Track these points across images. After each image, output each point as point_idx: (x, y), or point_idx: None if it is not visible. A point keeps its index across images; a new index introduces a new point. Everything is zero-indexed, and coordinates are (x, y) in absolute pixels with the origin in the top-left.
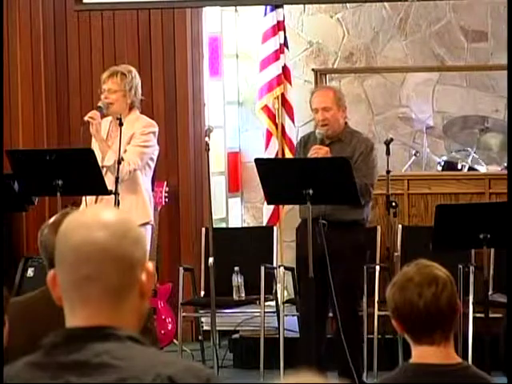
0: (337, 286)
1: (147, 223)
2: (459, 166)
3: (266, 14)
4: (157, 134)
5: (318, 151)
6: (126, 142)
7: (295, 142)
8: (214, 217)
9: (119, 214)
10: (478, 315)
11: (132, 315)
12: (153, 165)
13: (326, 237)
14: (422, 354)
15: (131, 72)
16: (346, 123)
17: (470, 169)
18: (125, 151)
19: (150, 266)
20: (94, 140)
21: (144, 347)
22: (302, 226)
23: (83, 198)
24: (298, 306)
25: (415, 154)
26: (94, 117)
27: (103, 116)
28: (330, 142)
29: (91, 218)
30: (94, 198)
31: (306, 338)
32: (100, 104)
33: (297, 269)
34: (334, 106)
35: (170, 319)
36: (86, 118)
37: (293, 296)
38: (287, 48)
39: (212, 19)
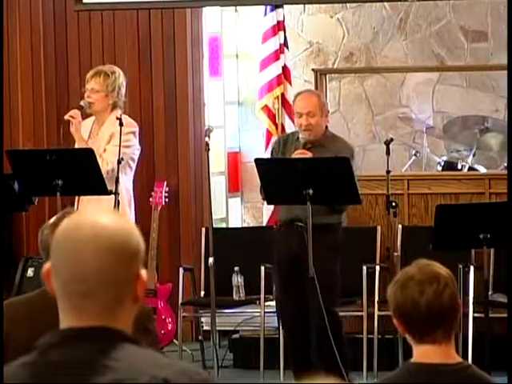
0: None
1: None
2: (459, 166)
3: (266, 14)
4: (137, 133)
5: (302, 156)
6: (106, 141)
7: None
8: (214, 217)
9: (117, 228)
10: (478, 315)
11: (126, 320)
12: (133, 165)
13: (302, 239)
14: (423, 353)
15: (115, 73)
16: (326, 127)
17: (470, 169)
18: (104, 150)
19: (144, 273)
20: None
21: (140, 348)
22: (279, 228)
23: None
24: (277, 308)
25: (415, 154)
26: (74, 116)
27: (86, 115)
28: (312, 146)
29: (89, 234)
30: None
31: (290, 339)
32: (82, 103)
33: (276, 271)
34: (317, 112)
35: (170, 319)
36: (66, 117)
37: None
38: (287, 48)
39: (212, 19)
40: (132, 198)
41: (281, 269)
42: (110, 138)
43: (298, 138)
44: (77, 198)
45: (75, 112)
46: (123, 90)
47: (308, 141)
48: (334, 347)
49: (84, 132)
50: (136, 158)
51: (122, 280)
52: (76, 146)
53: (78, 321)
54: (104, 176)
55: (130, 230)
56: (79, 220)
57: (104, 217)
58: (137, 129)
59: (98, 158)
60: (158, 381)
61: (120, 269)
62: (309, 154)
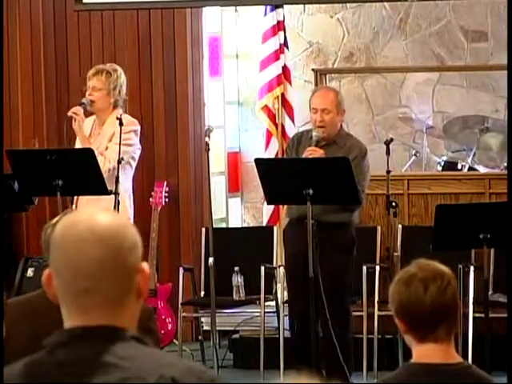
0: (324, 285)
1: None
2: (459, 166)
3: (266, 14)
4: (138, 132)
5: (312, 153)
6: (107, 140)
7: None
8: (214, 217)
9: (113, 222)
10: (478, 315)
11: (130, 317)
12: (134, 164)
13: (312, 236)
14: (424, 353)
15: (116, 71)
16: (341, 126)
17: (470, 169)
18: (106, 149)
19: (145, 265)
20: (78, 138)
21: (147, 347)
22: (289, 225)
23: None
24: (288, 305)
25: (415, 154)
26: (78, 112)
27: (86, 113)
28: (325, 144)
29: (85, 229)
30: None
31: (298, 337)
32: (84, 100)
33: (286, 269)
34: (333, 109)
35: (170, 319)
36: (69, 114)
37: None
38: (287, 48)
39: (212, 19)
40: (132, 197)
41: (291, 266)
42: (111, 136)
43: (312, 135)
44: (75, 197)
45: (78, 109)
46: (124, 89)
47: (321, 138)
48: (337, 348)
49: (85, 132)
50: (137, 157)
51: (123, 272)
52: (77, 143)
53: (84, 320)
54: (104, 174)
55: (126, 224)
56: (75, 219)
57: (99, 214)
58: (138, 127)
59: (99, 156)
60: (166, 380)
61: (119, 261)
62: (320, 152)
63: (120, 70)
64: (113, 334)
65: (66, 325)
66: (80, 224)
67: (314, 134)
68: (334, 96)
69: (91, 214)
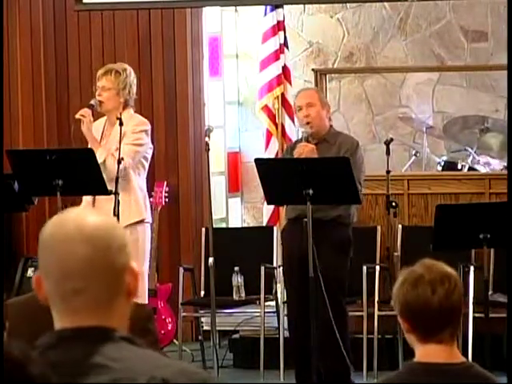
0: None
1: (142, 221)
2: (459, 166)
3: (265, 14)
4: (149, 132)
5: (304, 148)
6: (118, 140)
7: None
8: (214, 217)
9: (102, 222)
10: (478, 315)
11: (121, 317)
12: (147, 164)
13: (310, 235)
14: (428, 353)
15: (126, 70)
16: (331, 126)
17: (470, 169)
18: (116, 149)
19: (134, 265)
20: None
21: (138, 348)
22: (286, 225)
23: (83, 197)
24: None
25: (415, 154)
26: (85, 114)
27: (96, 113)
28: (316, 143)
29: (73, 229)
30: (90, 197)
31: (296, 338)
32: (92, 101)
33: (283, 269)
34: (317, 102)
35: (170, 319)
36: (77, 116)
37: None
38: (287, 48)
39: (212, 19)
40: (147, 198)
41: (288, 266)
42: (122, 136)
43: (302, 138)
44: (91, 197)
45: (85, 111)
46: (134, 88)
47: (311, 135)
48: (339, 342)
49: (96, 133)
50: (149, 156)
51: (112, 273)
52: (89, 146)
53: (73, 321)
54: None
55: (115, 224)
56: (63, 219)
57: (88, 214)
58: (149, 127)
59: (109, 156)
60: (157, 381)
61: (108, 261)
62: (311, 146)
63: (129, 68)
64: (102, 335)
65: (56, 326)
66: (68, 224)
67: (303, 131)
68: (315, 91)
69: (80, 214)
